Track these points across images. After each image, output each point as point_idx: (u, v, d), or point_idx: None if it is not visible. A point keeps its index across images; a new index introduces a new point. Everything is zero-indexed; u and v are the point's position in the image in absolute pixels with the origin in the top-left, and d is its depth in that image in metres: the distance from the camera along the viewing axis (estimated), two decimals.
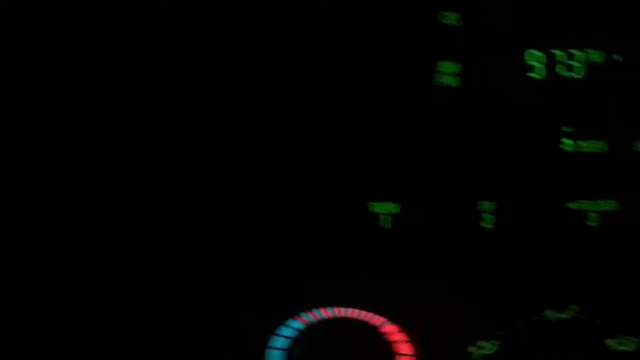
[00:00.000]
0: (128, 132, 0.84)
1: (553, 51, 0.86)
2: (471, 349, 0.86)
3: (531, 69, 0.86)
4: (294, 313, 0.86)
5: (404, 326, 0.86)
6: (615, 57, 0.86)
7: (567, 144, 0.87)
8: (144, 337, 0.86)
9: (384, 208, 0.86)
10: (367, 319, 0.86)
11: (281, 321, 0.85)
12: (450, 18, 0.85)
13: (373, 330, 0.86)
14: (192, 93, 0.85)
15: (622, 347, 0.85)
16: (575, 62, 0.86)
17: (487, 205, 0.87)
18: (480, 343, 0.86)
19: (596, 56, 0.86)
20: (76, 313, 0.85)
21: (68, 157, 0.84)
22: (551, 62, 0.86)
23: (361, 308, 0.86)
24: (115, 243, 0.85)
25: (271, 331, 0.85)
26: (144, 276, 0.86)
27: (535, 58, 0.86)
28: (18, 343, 0.84)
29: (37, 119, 0.84)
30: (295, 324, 0.85)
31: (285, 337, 0.85)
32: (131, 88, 0.84)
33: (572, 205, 0.87)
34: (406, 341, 0.85)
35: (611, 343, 0.85)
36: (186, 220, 0.86)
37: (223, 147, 0.85)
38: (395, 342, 0.85)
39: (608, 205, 0.87)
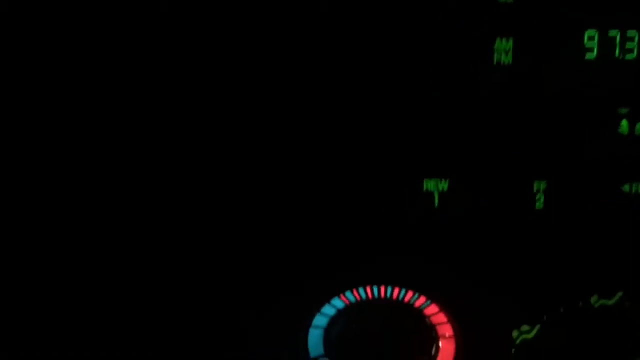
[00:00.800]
0: (128, 132, 0.84)
1: (609, 32, 0.83)
2: (515, 333, 0.85)
3: (586, 49, 0.83)
4: (335, 292, 0.85)
5: (446, 308, 0.85)
6: None
7: (623, 125, 0.84)
8: (147, 338, 0.87)
9: (435, 185, 0.84)
10: (409, 299, 0.85)
11: (324, 299, 0.85)
12: None
13: (415, 311, 0.85)
14: (192, 93, 0.84)
15: None
16: (631, 43, 0.83)
17: (540, 185, 0.84)
18: (524, 327, 0.85)
19: None
20: (76, 313, 0.87)
21: (68, 157, 0.84)
22: (606, 42, 0.83)
23: (404, 287, 0.85)
24: (115, 243, 0.86)
25: (314, 308, 0.85)
26: (153, 275, 0.87)
27: (590, 39, 0.83)
28: (18, 343, 0.86)
29: (37, 119, 0.84)
30: (338, 303, 0.85)
31: (327, 315, 0.84)
32: (131, 88, 0.83)
33: (626, 187, 0.85)
34: (447, 322, 0.84)
35: None
36: (195, 214, 0.86)
37: (230, 142, 0.84)
38: (436, 323, 0.84)
39: None
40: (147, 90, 0.83)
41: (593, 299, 0.86)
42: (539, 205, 0.85)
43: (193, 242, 0.86)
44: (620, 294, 0.86)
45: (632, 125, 0.84)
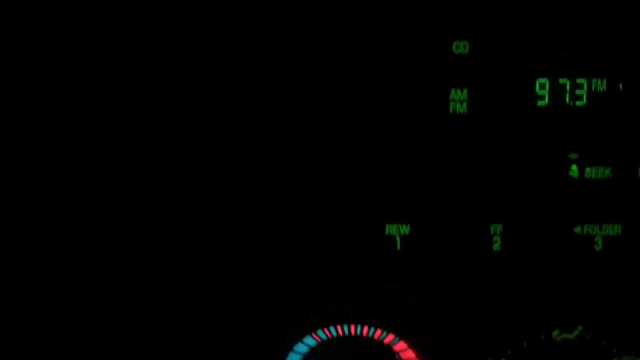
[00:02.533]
0: (128, 132, 0.87)
1: (559, 80, 0.87)
2: None
3: (538, 97, 0.88)
4: (307, 330, 0.89)
5: (414, 344, 0.89)
6: (618, 85, 0.87)
7: (573, 170, 0.89)
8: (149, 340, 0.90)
9: (397, 229, 0.89)
10: (378, 336, 0.89)
11: (295, 338, 0.89)
12: (461, 47, 0.87)
13: (384, 347, 0.89)
14: (192, 93, 0.87)
15: None
16: (580, 90, 0.87)
17: (496, 227, 0.89)
18: None
19: (599, 85, 0.87)
20: (76, 313, 0.89)
21: (68, 157, 0.87)
22: (557, 90, 0.88)
23: (373, 325, 0.90)
24: (117, 243, 0.88)
25: (285, 348, 0.89)
26: (149, 277, 0.89)
27: (541, 86, 0.88)
28: (18, 344, 0.88)
29: (37, 119, 0.86)
30: (309, 341, 0.90)
31: (299, 353, 0.89)
32: (131, 88, 0.86)
33: (578, 229, 0.89)
34: (415, 358, 0.89)
35: None
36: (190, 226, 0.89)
37: (223, 149, 0.88)
38: (405, 359, 0.89)
39: (613, 229, 0.89)
40: (147, 90, 0.86)
41: (555, 333, 0.90)
42: (496, 247, 0.90)
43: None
44: (580, 327, 0.90)
45: (581, 170, 0.89)
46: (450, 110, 0.88)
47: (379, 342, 0.90)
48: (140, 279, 0.89)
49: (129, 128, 0.87)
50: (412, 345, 0.90)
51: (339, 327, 0.91)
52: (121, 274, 0.89)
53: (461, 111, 0.88)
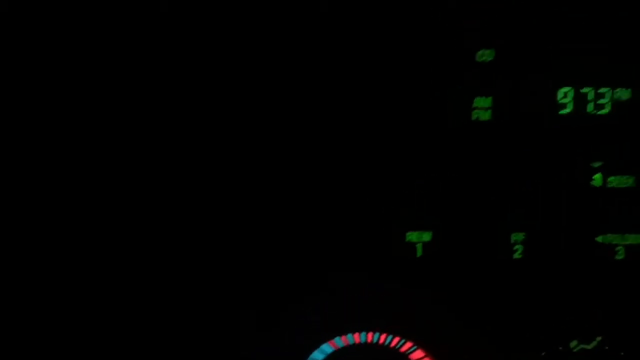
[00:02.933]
0: (128, 132, 0.86)
1: (582, 89, 0.87)
2: None
3: (561, 105, 0.87)
4: (326, 336, 0.89)
5: (431, 353, 0.89)
6: None
7: (596, 179, 0.88)
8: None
9: (418, 236, 0.88)
10: (395, 344, 0.89)
11: (312, 345, 0.88)
12: (486, 55, 0.87)
13: (401, 356, 0.89)
14: (193, 93, 0.86)
15: None
16: (603, 99, 0.87)
17: (517, 236, 0.89)
18: None
19: (623, 93, 0.87)
20: (76, 314, 0.88)
21: (68, 157, 0.86)
22: (580, 99, 0.87)
23: (391, 333, 0.89)
24: (117, 244, 0.88)
25: (302, 356, 0.88)
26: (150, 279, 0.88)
27: (564, 95, 0.87)
28: (18, 344, 0.87)
29: (37, 119, 0.85)
30: (327, 348, 0.89)
31: None
32: (131, 88, 0.86)
33: (600, 238, 0.89)
34: None
35: None
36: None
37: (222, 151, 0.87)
38: None
39: (636, 239, 0.88)
40: (147, 91, 0.86)
41: (573, 343, 0.90)
42: (517, 255, 0.89)
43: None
44: (599, 338, 0.90)
45: (604, 178, 0.88)
46: (473, 117, 0.87)
47: (395, 350, 0.89)
48: (141, 279, 0.88)
49: (129, 128, 0.87)
50: (428, 354, 0.89)
51: (356, 335, 0.89)
52: (121, 275, 0.88)
53: (484, 118, 0.87)
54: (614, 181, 0.88)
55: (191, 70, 0.87)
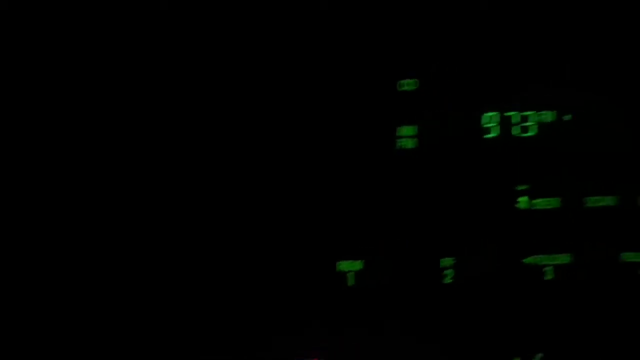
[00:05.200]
0: (128, 132, 0.87)
1: (506, 113, 0.88)
2: None
3: (486, 130, 0.88)
4: None
5: None
6: (566, 117, 0.88)
7: (522, 201, 0.89)
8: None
9: (349, 266, 0.89)
10: None
11: None
12: (408, 84, 0.87)
13: None
14: (192, 93, 0.87)
15: None
16: (529, 122, 0.88)
17: (447, 261, 0.90)
18: None
19: (548, 116, 0.88)
20: (73, 314, 0.88)
21: (68, 157, 0.87)
22: (505, 122, 0.88)
23: None
24: (117, 244, 0.88)
25: None
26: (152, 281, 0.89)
27: (490, 119, 0.88)
28: (18, 345, 0.88)
29: (37, 119, 0.86)
30: None
31: None
32: (131, 88, 0.86)
33: (529, 260, 0.90)
34: None
35: None
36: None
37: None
38: None
39: (563, 259, 0.90)
40: (147, 91, 0.86)
41: None
42: (448, 280, 0.90)
43: None
44: (540, 355, 0.91)
45: (530, 201, 0.90)
46: (397, 146, 0.88)
47: None
48: (135, 279, 0.89)
49: (129, 128, 0.87)
50: None
51: None
52: (121, 274, 0.89)
53: (409, 147, 0.88)
54: (539, 203, 0.89)
55: (189, 70, 0.87)
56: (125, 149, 0.88)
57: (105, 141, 0.88)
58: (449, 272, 0.90)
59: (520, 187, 0.89)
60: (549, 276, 0.90)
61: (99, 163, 0.88)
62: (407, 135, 0.88)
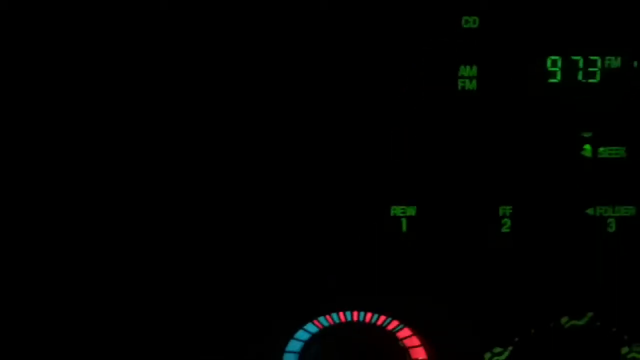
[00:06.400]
0: (128, 132, 0.85)
1: (571, 57, 0.85)
2: (487, 355, 0.86)
3: (550, 74, 0.85)
4: (311, 315, 0.86)
5: (419, 330, 0.86)
6: (633, 62, 0.85)
7: (586, 149, 0.86)
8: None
9: (403, 211, 0.86)
10: (382, 322, 0.86)
11: (297, 324, 0.86)
12: (470, 22, 0.84)
13: (388, 334, 0.86)
14: (192, 93, 0.85)
15: (638, 356, 0.84)
16: (593, 68, 0.85)
17: (505, 209, 0.86)
18: (496, 349, 0.86)
19: (613, 62, 0.85)
20: (73, 314, 0.87)
21: (68, 157, 0.85)
22: (569, 67, 0.85)
23: (377, 311, 0.87)
24: (116, 245, 0.87)
25: (287, 334, 0.86)
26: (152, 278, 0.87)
27: (553, 63, 0.85)
28: (18, 345, 0.86)
29: (37, 119, 0.84)
30: (311, 328, 0.86)
31: (301, 340, 0.86)
32: (131, 88, 0.84)
33: (591, 211, 0.86)
34: (420, 345, 0.86)
35: (626, 351, 0.85)
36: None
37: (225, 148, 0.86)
38: (409, 347, 0.86)
39: (627, 211, 0.86)
40: (146, 91, 0.84)
41: (564, 319, 0.87)
42: (506, 229, 0.86)
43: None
44: (590, 314, 0.87)
45: (595, 149, 0.86)
46: (459, 87, 0.84)
47: (383, 329, 0.87)
48: (131, 278, 0.87)
49: (129, 128, 0.85)
50: (417, 332, 0.87)
51: (341, 314, 0.87)
52: (120, 274, 0.87)
53: (470, 88, 0.84)
54: (604, 152, 0.86)
55: (188, 69, 0.85)
56: (125, 149, 0.86)
57: (105, 141, 0.86)
58: (506, 220, 0.86)
59: (585, 135, 0.86)
60: (611, 228, 0.86)
61: (100, 163, 0.86)
62: (468, 76, 0.85)
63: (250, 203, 0.87)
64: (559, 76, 0.85)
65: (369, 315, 0.88)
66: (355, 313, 0.88)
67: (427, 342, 0.87)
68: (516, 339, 0.87)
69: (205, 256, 0.87)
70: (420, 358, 0.86)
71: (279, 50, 0.84)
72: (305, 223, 0.87)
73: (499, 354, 0.87)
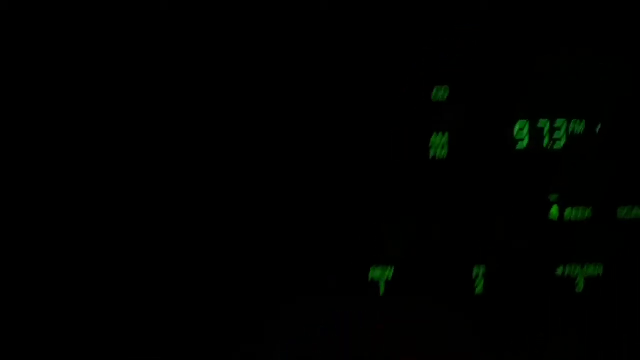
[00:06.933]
0: (128, 133, 0.87)
1: (538, 122, 0.88)
2: None
3: (517, 139, 0.88)
4: None
5: None
6: (597, 125, 0.89)
7: (553, 211, 0.89)
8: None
9: (381, 273, 0.89)
10: None
11: None
12: (441, 91, 0.88)
13: None
14: (192, 93, 0.87)
15: None
16: (559, 132, 0.88)
17: (479, 269, 0.90)
18: None
19: (577, 126, 0.88)
20: (71, 313, 0.88)
21: (68, 157, 0.87)
22: (536, 132, 0.88)
23: None
24: (115, 245, 0.88)
25: None
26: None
27: (520, 128, 0.88)
28: (18, 345, 0.88)
29: (37, 119, 0.86)
30: None
31: None
32: (131, 88, 0.86)
33: (560, 270, 0.90)
34: None
35: None
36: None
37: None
38: None
39: (595, 269, 0.90)
40: (146, 91, 0.86)
41: None
42: (479, 289, 0.90)
43: None
44: None
45: (561, 211, 0.90)
46: (430, 155, 0.88)
47: None
48: (131, 278, 0.89)
49: (128, 128, 0.87)
50: None
51: None
52: (119, 274, 0.89)
53: (441, 155, 0.88)
54: (571, 213, 0.90)
55: (187, 70, 0.87)
56: (125, 149, 0.88)
57: (105, 141, 0.88)
58: (479, 281, 0.90)
59: (552, 197, 0.89)
60: (579, 288, 0.90)
61: (99, 163, 0.88)
62: (439, 144, 0.88)
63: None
64: (526, 141, 0.89)
65: None
66: None
67: None
68: None
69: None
70: None
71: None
72: (284, 283, 0.90)
73: None
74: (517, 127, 0.89)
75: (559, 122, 0.89)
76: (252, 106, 0.88)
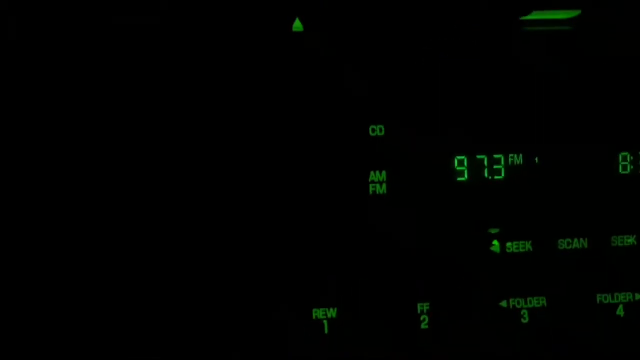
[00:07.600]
0: (129, 133, 0.87)
1: (477, 156, 0.89)
2: None
3: (457, 173, 0.89)
4: None
5: None
6: (534, 158, 0.89)
7: (495, 245, 0.89)
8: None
9: (324, 313, 0.89)
10: None
11: None
12: (377, 130, 0.88)
13: None
14: (192, 94, 0.87)
15: None
16: (498, 165, 0.89)
17: (423, 306, 0.89)
18: None
19: (516, 159, 0.89)
20: (72, 313, 0.88)
21: (68, 157, 0.86)
22: (475, 165, 0.89)
23: None
24: (115, 245, 0.88)
25: None
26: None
27: (460, 163, 0.89)
28: (19, 345, 0.87)
29: (37, 119, 0.86)
30: None
31: None
32: (131, 89, 0.86)
33: (504, 303, 0.90)
34: None
35: None
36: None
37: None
38: None
39: (538, 301, 0.90)
40: (146, 92, 0.86)
41: None
42: (424, 325, 0.90)
43: None
44: None
45: (502, 244, 0.90)
46: (370, 192, 0.88)
47: None
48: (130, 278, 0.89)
49: (128, 129, 0.87)
50: None
51: None
52: (119, 274, 0.89)
53: (380, 192, 0.88)
54: (511, 246, 0.90)
55: (189, 69, 0.87)
56: (125, 149, 0.88)
57: (106, 144, 0.87)
58: (424, 317, 0.89)
59: (492, 231, 0.90)
60: (525, 319, 0.90)
61: (101, 165, 0.87)
62: (377, 181, 0.88)
63: None
64: (465, 174, 0.89)
65: None
66: None
67: None
68: None
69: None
70: None
71: None
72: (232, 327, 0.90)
73: None
74: (456, 160, 0.89)
75: (497, 155, 0.89)
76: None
